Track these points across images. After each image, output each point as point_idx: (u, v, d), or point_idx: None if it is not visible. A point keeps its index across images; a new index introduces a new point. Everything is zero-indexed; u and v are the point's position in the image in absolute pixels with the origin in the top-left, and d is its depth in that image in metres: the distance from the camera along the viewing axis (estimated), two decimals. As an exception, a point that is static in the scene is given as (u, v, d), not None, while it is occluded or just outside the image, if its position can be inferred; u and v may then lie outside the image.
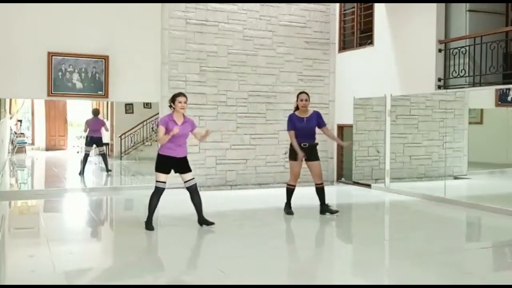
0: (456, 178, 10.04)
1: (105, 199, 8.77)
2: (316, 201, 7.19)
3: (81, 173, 11.62)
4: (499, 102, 9.42)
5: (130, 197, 8.95)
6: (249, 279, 4.39)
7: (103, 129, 12.02)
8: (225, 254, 5.44)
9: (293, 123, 6.94)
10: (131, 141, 14.46)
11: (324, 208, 7.05)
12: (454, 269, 4.77)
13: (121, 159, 14.34)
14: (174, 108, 6.14)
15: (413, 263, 4.92)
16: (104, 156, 12.07)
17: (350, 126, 10.09)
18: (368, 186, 9.75)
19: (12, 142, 15.71)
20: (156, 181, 6.17)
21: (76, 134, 17.63)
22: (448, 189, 8.35)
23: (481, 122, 10.44)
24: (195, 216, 6.59)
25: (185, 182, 6.22)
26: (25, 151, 16.71)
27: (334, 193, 9.31)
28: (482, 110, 10.25)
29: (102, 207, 8.47)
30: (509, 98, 9.19)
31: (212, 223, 6.21)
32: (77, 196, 8.81)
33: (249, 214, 7.34)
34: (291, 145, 7.03)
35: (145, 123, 14.26)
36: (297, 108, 7.07)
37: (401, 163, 9.87)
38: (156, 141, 11.18)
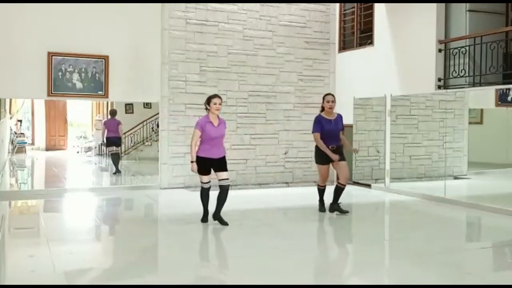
0: (456, 178, 10.04)
1: (104, 199, 8.77)
2: (314, 201, 7.21)
3: (116, 171, 11.83)
4: (499, 102, 9.41)
5: (130, 197, 8.95)
6: (249, 279, 4.39)
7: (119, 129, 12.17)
8: (225, 254, 5.45)
9: (322, 125, 6.85)
10: (131, 141, 14.46)
11: (335, 207, 7.04)
12: (454, 269, 4.77)
13: (121, 159, 14.32)
14: (209, 110, 6.23)
15: (413, 263, 4.92)
16: (117, 156, 12.14)
17: (350, 126, 10.08)
18: (368, 186, 9.75)
19: (12, 142, 15.72)
20: (201, 182, 6.37)
21: (76, 134, 17.68)
22: (448, 189, 8.35)
23: (481, 122, 10.43)
24: (195, 216, 6.59)
25: (219, 180, 6.28)
26: (25, 151, 16.71)
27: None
28: (482, 110, 10.25)
29: (102, 207, 8.46)
30: (509, 98, 9.19)
31: (226, 224, 6.24)
32: (77, 196, 8.81)
33: (249, 214, 7.34)
34: (316, 148, 6.94)
35: (145, 123, 14.26)
36: (322, 109, 7.02)
37: (401, 163, 9.87)
38: (156, 141, 11.29)
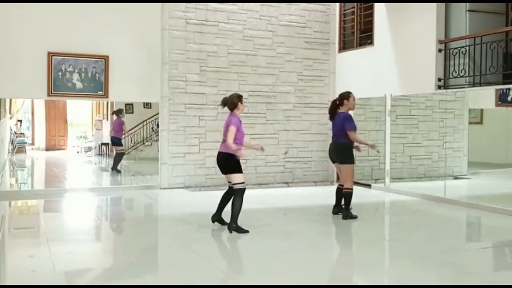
0: (456, 178, 10.05)
1: (104, 199, 8.77)
2: (314, 201, 7.20)
3: (116, 170, 11.97)
4: (499, 102, 9.42)
5: (130, 197, 8.95)
6: (249, 279, 4.39)
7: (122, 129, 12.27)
8: (225, 254, 5.45)
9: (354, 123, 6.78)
10: (131, 141, 14.46)
11: (340, 210, 6.99)
12: (454, 269, 4.77)
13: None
14: (238, 109, 6.17)
15: (413, 263, 4.92)
16: (120, 156, 12.22)
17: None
18: (368, 186, 9.75)
19: (12, 142, 15.72)
20: (240, 183, 6.09)
21: (76, 134, 17.68)
22: (448, 189, 8.35)
23: (481, 122, 10.44)
24: (195, 216, 6.59)
25: (230, 182, 6.23)
26: (25, 151, 16.71)
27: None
28: (482, 110, 10.26)
29: (102, 207, 8.46)
30: (509, 98, 9.19)
31: (227, 223, 6.18)
32: (77, 196, 8.81)
33: (249, 214, 7.34)
34: (347, 148, 6.72)
35: (145, 123, 14.26)
36: (339, 108, 6.88)
37: (401, 163, 9.87)
38: (156, 141, 11.30)
